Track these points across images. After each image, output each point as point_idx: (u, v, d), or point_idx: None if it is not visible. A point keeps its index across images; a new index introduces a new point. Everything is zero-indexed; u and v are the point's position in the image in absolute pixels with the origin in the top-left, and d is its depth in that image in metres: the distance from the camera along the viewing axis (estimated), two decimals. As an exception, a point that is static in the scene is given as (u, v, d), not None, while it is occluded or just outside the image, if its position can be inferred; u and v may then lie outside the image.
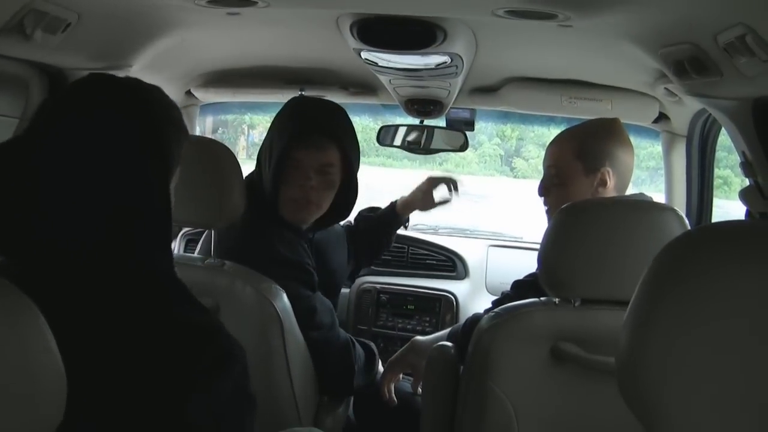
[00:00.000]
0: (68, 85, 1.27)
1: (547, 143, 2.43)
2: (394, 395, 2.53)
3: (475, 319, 2.15)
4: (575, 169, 2.25)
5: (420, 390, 2.38)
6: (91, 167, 1.17)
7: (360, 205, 2.56)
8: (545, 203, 2.36)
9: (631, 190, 2.33)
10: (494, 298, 2.34)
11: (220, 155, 2.03)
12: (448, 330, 2.45)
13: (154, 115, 1.26)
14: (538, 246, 1.92)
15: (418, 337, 2.59)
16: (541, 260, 1.85)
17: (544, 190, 2.35)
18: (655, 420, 0.87)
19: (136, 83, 1.31)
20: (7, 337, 0.84)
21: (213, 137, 3.16)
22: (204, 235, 2.36)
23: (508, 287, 2.28)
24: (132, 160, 1.20)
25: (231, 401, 1.17)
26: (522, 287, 2.18)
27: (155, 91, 1.33)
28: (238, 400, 1.19)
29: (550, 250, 1.83)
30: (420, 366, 2.37)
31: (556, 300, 1.84)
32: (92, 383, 1.03)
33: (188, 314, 1.21)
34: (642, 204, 1.96)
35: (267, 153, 2.28)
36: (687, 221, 1.86)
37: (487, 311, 2.07)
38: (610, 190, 2.25)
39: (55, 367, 0.89)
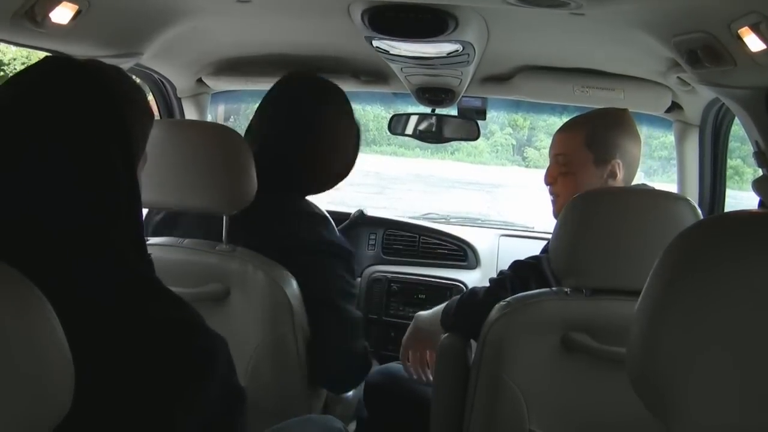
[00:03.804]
0: (25, 69, 1.18)
1: None
2: (420, 370, 2.46)
3: (473, 296, 2.16)
4: (586, 158, 2.22)
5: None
6: (48, 156, 1.08)
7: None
8: (551, 192, 2.33)
9: (635, 181, 2.33)
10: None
11: (232, 141, 2.03)
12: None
13: (115, 98, 1.17)
14: (549, 235, 1.91)
15: (421, 312, 2.50)
16: (553, 249, 1.85)
17: (551, 178, 2.31)
18: (666, 410, 0.86)
19: (97, 65, 1.23)
20: (15, 325, 0.84)
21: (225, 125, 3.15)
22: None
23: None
24: (94, 145, 1.12)
25: (218, 399, 1.13)
26: (522, 268, 2.17)
27: (116, 72, 1.26)
28: (225, 397, 1.15)
29: (562, 238, 1.83)
30: (436, 337, 2.27)
31: (567, 289, 1.83)
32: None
33: (167, 310, 1.14)
34: (655, 193, 1.95)
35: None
36: (700, 211, 1.86)
37: (486, 292, 2.08)
38: (619, 182, 2.23)
39: (63, 355, 0.89)
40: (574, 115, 2.77)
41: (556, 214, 2.24)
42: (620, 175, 2.22)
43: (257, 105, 2.31)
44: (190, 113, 3.26)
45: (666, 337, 0.85)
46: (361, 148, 2.41)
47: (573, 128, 2.29)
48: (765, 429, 0.83)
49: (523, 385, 1.80)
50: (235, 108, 6.96)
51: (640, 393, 0.90)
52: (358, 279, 3.55)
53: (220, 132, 2.06)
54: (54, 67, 1.17)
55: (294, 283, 2.10)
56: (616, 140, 2.22)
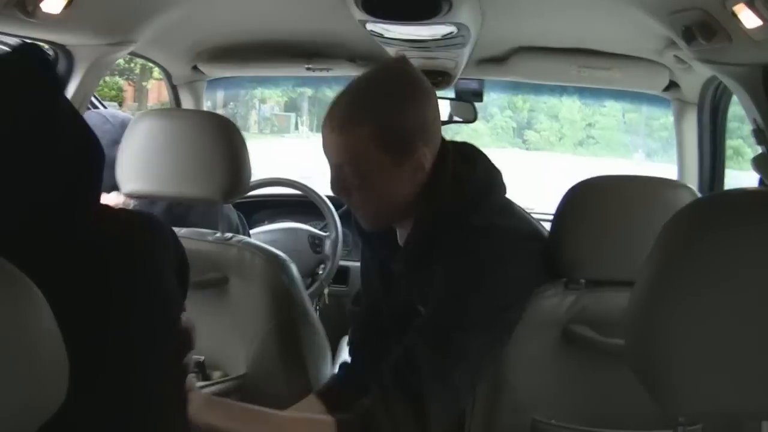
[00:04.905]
0: None
1: (559, 115, 2.36)
2: None
3: None
4: (380, 162, 1.65)
5: None
6: None
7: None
8: (347, 203, 1.80)
9: (640, 164, 2.28)
10: None
11: (226, 130, 2.02)
12: None
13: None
14: (548, 216, 1.89)
15: None
16: (551, 240, 1.83)
17: (342, 190, 1.72)
18: (665, 392, 0.86)
19: None
20: (7, 316, 0.84)
21: (224, 112, 3.15)
22: None
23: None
24: None
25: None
26: None
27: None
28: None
29: (561, 229, 1.81)
30: None
31: (566, 281, 1.81)
32: None
33: None
34: (655, 181, 1.91)
35: None
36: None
37: None
38: (427, 170, 1.69)
39: (56, 346, 0.89)
40: (574, 96, 2.71)
41: (370, 227, 1.80)
42: (428, 161, 1.68)
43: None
44: (186, 101, 3.25)
45: (664, 318, 0.85)
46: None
47: (349, 127, 1.64)
48: (765, 410, 0.83)
49: (524, 378, 1.78)
50: (234, 94, 6.95)
51: (639, 376, 0.90)
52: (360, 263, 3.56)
53: (214, 120, 2.05)
54: None
55: (293, 269, 2.10)
56: (415, 124, 1.66)
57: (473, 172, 1.72)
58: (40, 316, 0.87)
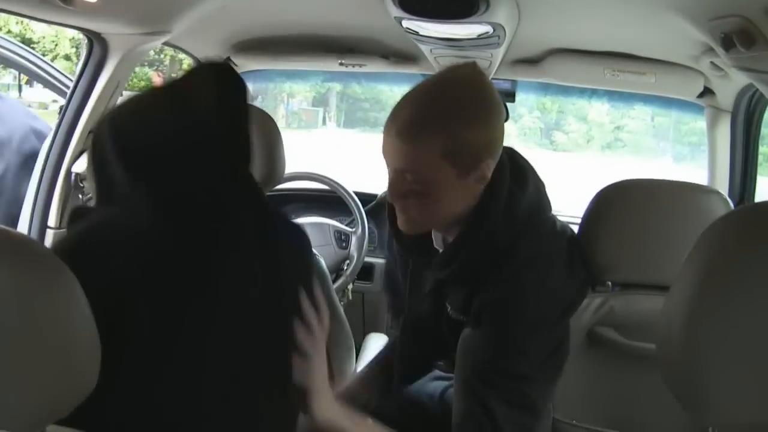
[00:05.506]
0: None
1: (587, 117, 2.34)
2: None
3: None
4: (446, 174, 1.59)
5: None
6: None
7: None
8: (399, 209, 1.71)
9: (667, 168, 2.26)
10: None
11: (264, 122, 2.02)
12: None
13: None
14: (575, 219, 1.89)
15: None
16: (582, 243, 1.81)
17: (400, 195, 1.65)
18: (699, 403, 0.85)
19: None
20: (44, 302, 0.84)
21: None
22: None
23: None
24: None
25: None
26: None
27: None
28: None
29: (589, 231, 1.80)
30: None
31: (593, 283, 1.80)
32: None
33: None
34: (686, 186, 1.90)
35: None
36: (732, 203, 1.82)
37: None
38: (489, 177, 1.65)
39: (90, 332, 0.89)
40: (603, 99, 2.69)
41: (413, 232, 1.75)
42: (491, 172, 1.64)
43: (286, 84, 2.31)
44: (218, 93, 3.25)
45: (702, 330, 0.84)
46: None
47: (422, 136, 1.57)
48: None
49: None
50: (263, 87, 6.96)
51: (672, 386, 0.89)
52: (382, 261, 3.55)
53: (254, 113, 2.05)
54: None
55: (323, 265, 2.11)
56: (484, 137, 1.61)
57: (525, 192, 1.68)
58: (75, 302, 0.88)
